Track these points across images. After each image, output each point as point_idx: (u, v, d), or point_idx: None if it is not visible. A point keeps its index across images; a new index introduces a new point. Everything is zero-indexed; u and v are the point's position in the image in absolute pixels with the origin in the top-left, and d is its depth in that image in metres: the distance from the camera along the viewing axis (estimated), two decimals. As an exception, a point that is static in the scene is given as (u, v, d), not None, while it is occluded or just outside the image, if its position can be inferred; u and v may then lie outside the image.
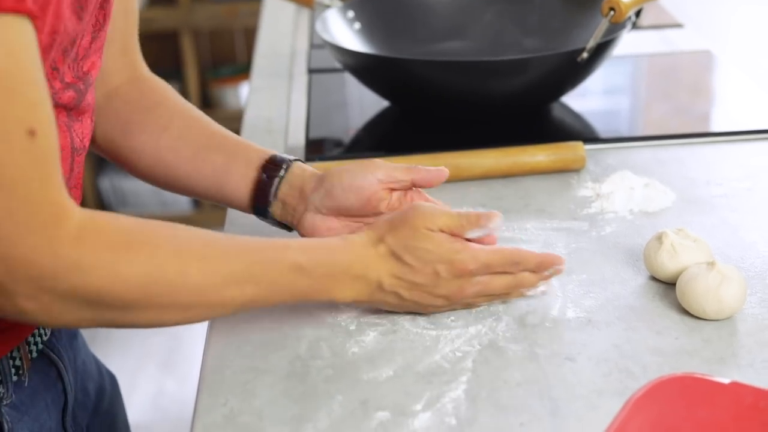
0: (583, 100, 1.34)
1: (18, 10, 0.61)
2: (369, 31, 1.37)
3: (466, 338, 0.81)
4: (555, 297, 0.86)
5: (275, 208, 0.91)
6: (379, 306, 0.82)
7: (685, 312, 0.83)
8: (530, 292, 0.84)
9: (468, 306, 0.84)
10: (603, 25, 1.17)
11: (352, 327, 0.83)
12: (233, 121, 1.41)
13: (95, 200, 3.09)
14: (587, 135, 1.23)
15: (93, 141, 0.94)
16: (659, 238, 0.87)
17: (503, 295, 0.84)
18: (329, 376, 0.77)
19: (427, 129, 1.25)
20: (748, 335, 0.80)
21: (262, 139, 1.25)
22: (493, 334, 0.81)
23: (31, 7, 0.62)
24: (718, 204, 1.02)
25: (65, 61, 0.74)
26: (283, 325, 0.83)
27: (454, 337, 0.81)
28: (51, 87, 0.72)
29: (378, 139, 1.29)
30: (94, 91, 0.84)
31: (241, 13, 3.06)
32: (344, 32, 1.34)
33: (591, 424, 0.70)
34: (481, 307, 0.84)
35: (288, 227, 0.92)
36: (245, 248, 0.75)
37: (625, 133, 1.23)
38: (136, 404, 2.34)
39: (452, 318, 0.83)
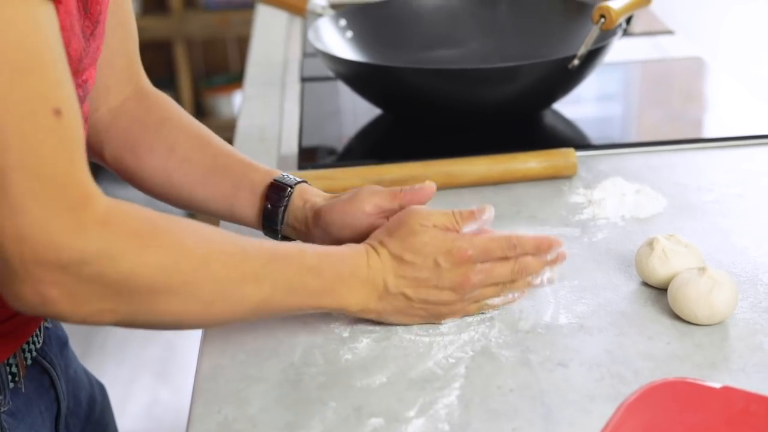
0: (574, 106, 1.34)
1: None
2: (361, 39, 1.38)
3: (459, 345, 0.81)
4: (547, 303, 0.86)
5: (287, 232, 0.92)
6: (390, 316, 0.82)
7: (677, 317, 0.83)
8: (537, 280, 0.84)
9: (479, 303, 0.83)
10: (594, 32, 1.17)
11: (345, 334, 0.83)
12: (226, 130, 1.41)
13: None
14: (579, 142, 1.23)
15: (104, 160, 0.95)
16: (650, 243, 0.88)
17: (511, 285, 0.83)
18: (323, 383, 0.77)
19: (420, 136, 1.26)
20: (739, 340, 0.80)
21: (255, 147, 1.25)
22: (486, 340, 0.81)
23: None
24: (709, 210, 1.03)
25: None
26: (277, 333, 0.84)
27: (447, 343, 0.81)
28: None
29: (371, 147, 1.29)
30: (89, 104, 0.84)
31: (233, 22, 3.07)
32: (336, 41, 1.35)
33: (583, 430, 0.71)
34: (476, 316, 0.84)
35: None
36: (262, 247, 0.76)
37: (617, 140, 1.24)
38: (131, 414, 2.34)
39: (445, 324, 0.83)
